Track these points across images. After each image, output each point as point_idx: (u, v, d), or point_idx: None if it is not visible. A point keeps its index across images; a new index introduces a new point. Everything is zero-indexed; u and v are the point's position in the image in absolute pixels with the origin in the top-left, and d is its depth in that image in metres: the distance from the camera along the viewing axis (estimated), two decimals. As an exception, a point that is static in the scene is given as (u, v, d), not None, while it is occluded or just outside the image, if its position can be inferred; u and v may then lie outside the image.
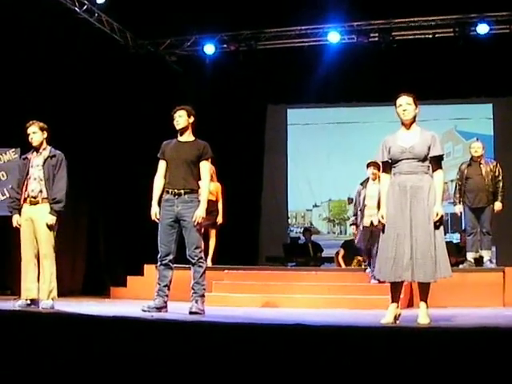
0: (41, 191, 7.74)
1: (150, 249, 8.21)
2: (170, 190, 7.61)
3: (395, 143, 6.41)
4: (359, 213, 10.27)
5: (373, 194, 9.87)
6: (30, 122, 7.92)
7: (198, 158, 7.64)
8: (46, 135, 7.92)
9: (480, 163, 10.36)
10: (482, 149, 10.45)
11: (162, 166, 7.79)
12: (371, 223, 9.79)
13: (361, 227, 10.18)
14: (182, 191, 7.56)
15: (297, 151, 15.96)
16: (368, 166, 10.12)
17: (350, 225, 10.79)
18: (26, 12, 10.72)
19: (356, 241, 10.58)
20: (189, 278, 7.65)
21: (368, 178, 10.24)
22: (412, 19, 12.98)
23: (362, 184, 10.38)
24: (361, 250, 10.65)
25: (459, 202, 10.42)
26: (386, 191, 6.47)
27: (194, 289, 7.57)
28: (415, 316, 6.39)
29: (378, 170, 9.64)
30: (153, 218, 7.66)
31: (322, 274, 10.57)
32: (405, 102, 6.42)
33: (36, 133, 7.87)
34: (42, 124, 7.92)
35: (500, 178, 10.29)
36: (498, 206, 10.26)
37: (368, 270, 10.13)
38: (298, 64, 14.19)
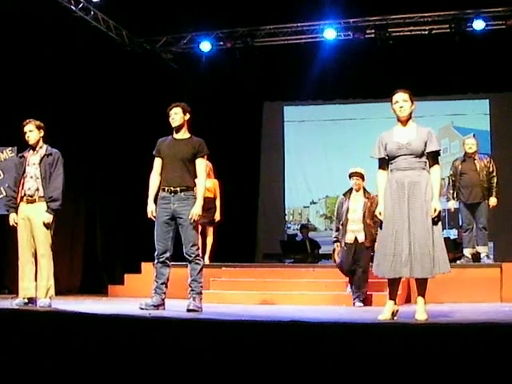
0: (37, 189, 7.73)
1: (148, 246, 8.21)
2: (166, 188, 7.60)
3: (391, 139, 6.40)
4: (341, 227, 9.30)
5: (356, 207, 9.20)
6: (27, 121, 7.92)
7: (193, 155, 7.63)
8: (42, 134, 7.92)
9: (474, 159, 10.39)
10: (476, 145, 10.51)
11: (157, 163, 7.77)
12: (355, 240, 9.11)
13: (343, 244, 9.23)
14: (178, 189, 7.55)
15: (293, 148, 15.97)
16: (350, 176, 9.35)
17: (333, 242, 9.56)
18: (23, 11, 10.69)
19: (337, 260, 9.46)
20: (186, 275, 7.64)
21: (351, 189, 9.40)
22: (408, 15, 12.99)
23: (344, 195, 9.50)
24: (341, 270, 9.36)
25: (452, 198, 10.46)
26: (383, 188, 6.47)
27: (191, 286, 7.57)
28: (413, 312, 6.39)
29: (362, 181, 9.26)
30: (149, 215, 7.64)
31: (320, 271, 10.57)
32: (401, 98, 6.41)
33: (32, 131, 7.87)
34: (38, 122, 7.92)
35: (494, 173, 10.34)
36: (493, 201, 10.29)
37: (348, 289, 9.37)
38: (295, 61, 14.20)
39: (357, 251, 9.08)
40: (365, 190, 9.30)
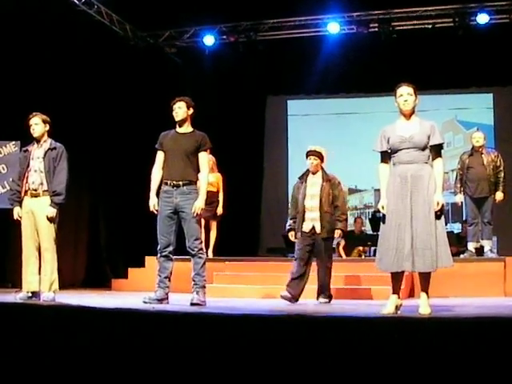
0: (41, 183, 7.73)
1: (151, 240, 8.22)
2: (169, 182, 7.60)
3: (394, 133, 6.40)
4: (298, 216, 8.40)
5: (314, 192, 8.34)
6: (33, 114, 7.93)
7: (196, 149, 7.63)
8: (47, 128, 7.92)
9: (481, 153, 10.37)
10: (483, 139, 10.46)
11: (159, 157, 7.77)
12: (313, 229, 8.30)
13: (299, 234, 8.37)
14: (181, 183, 7.55)
15: (297, 142, 15.92)
16: (307, 155, 8.47)
17: (287, 231, 8.57)
18: (26, 4, 10.69)
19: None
20: (189, 269, 7.65)
21: (308, 171, 8.53)
22: (412, 9, 12.98)
23: (300, 178, 8.60)
24: (295, 267, 8.41)
25: (460, 192, 10.43)
26: (385, 181, 6.47)
27: (194, 280, 7.58)
28: (416, 306, 6.39)
29: (321, 161, 8.46)
30: (151, 209, 7.64)
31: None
32: (406, 92, 6.40)
33: (38, 124, 7.87)
34: (44, 117, 7.92)
35: (501, 167, 10.31)
36: (499, 195, 10.27)
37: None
38: (298, 55, 14.20)
39: (315, 243, 8.30)
40: (324, 171, 8.49)
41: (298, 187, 8.55)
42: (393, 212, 6.30)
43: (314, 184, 8.42)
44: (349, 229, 14.45)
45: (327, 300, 8.41)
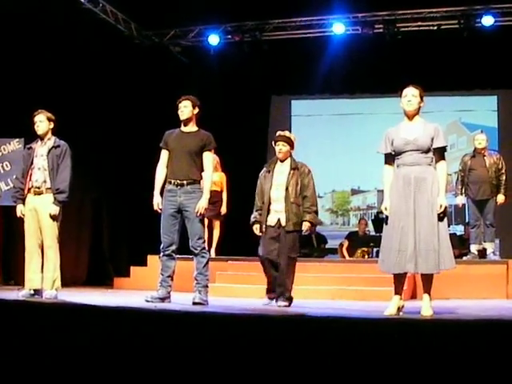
0: (45, 181, 7.75)
1: (154, 239, 8.22)
2: (173, 181, 7.61)
3: (398, 135, 6.42)
4: (264, 207, 7.77)
5: (280, 181, 7.72)
6: (38, 111, 7.95)
7: (201, 148, 7.64)
8: (52, 126, 7.94)
9: (484, 155, 10.37)
10: (485, 141, 10.47)
11: (164, 155, 7.77)
12: (278, 222, 7.71)
13: (263, 227, 7.76)
14: (185, 182, 7.56)
15: (300, 142, 15.75)
16: (275, 141, 7.83)
17: (252, 224, 7.88)
18: (31, 2, 10.69)
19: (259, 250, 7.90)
20: (192, 268, 7.66)
21: (276, 159, 7.89)
22: (417, 11, 12.96)
23: (267, 166, 7.95)
24: (263, 264, 7.94)
25: (461, 194, 10.44)
26: (389, 183, 6.48)
27: (197, 279, 7.58)
28: (418, 308, 6.40)
29: (291, 148, 7.84)
30: (155, 207, 7.65)
31: (326, 266, 10.57)
32: (411, 93, 6.44)
33: (43, 122, 7.88)
34: (49, 114, 7.94)
35: (503, 170, 10.32)
36: (500, 198, 10.28)
37: (266, 301, 7.88)
38: (303, 55, 14.19)
39: (280, 237, 7.69)
40: (292, 159, 7.87)
41: (264, 176, 7.88)
42: (396, 213, 6.32)
43: (282, 173, 7.79)
44: (353, 230, 14.54)
45: (287, 303, 7.64)
